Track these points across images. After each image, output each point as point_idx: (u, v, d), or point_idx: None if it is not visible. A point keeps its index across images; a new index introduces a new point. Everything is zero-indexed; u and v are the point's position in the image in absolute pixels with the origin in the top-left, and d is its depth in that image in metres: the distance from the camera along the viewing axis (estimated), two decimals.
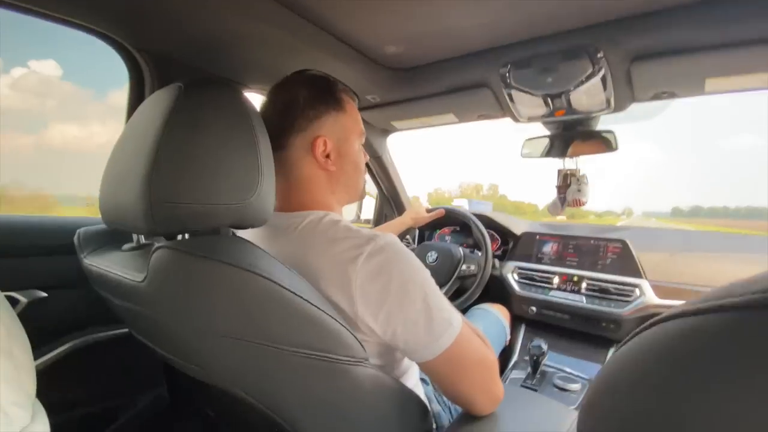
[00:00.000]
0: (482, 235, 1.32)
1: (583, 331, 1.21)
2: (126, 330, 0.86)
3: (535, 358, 1.04)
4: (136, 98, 0.86)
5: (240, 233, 0.62)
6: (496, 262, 1.40)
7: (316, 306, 0.45)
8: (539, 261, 1.36)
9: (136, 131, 0.50)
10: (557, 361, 1.16)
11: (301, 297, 0.44)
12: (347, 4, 0.71)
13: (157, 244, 0.44)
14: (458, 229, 1.64)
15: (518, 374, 1.13)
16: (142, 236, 0.64)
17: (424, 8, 0.72)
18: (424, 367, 0.53)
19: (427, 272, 0.54)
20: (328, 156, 0.61)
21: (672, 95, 0.91)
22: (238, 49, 0.83)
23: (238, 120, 0.49)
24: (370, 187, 1.69)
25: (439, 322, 0.50)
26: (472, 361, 0.54)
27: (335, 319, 0.46)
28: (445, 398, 0.73)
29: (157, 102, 0.48)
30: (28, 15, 0.68)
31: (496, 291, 1.36)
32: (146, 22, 0.72)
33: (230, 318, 0.43)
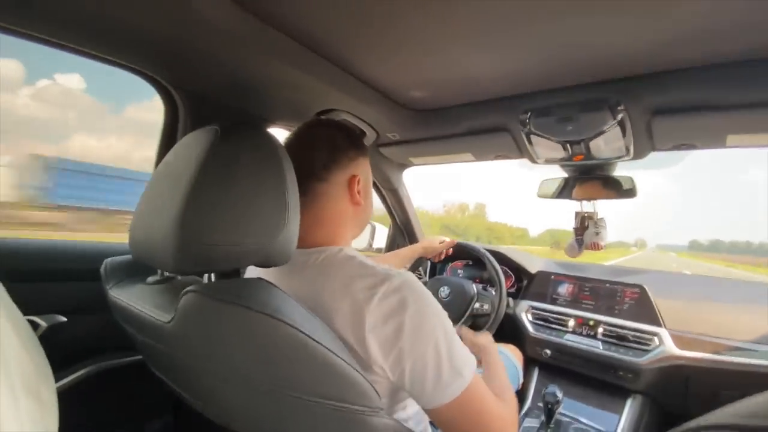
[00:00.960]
0: (496, 272, 1.31)
1: (599, 379, 1.17)
2: (139, 356, 0.87)
3: (549, 406, 1.01)
4: (170, 132, 0.90)
5: (254, 268, 0.63)
6: (510, 300, 1.38)
7: (335, 354, 0.45)
8: (554, 302, 1.33)
9: (172, 170, 0.51)
10: (572, 410, 1.11)
11: (323, 345, 0.44)
12: (374, 51, 0.74)
13: (186, 288, 0.44)
14: (471, 263, 1.63)
15: (532, 422, 1.09)
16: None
17: (448, 57, 0.75)
18: (429, 413, 0.53)
19: (444, 315, 0.54)
20: (359, 192, 0.66)
21: (692, 147, 0.91)
22: (267, 89, 0.86)
23: (269, 163, 0.50)
24: (382, 215, 1.70)
25: (448, 370, 0.50)
26: (479, 414, 0.52)
27: (353, 368, 0.46)
28: None
29: (194, 143, 0.50)
30: (63, 50, 0.71)
31: (509, 330, 1.34)
32: (182, 62, 0.76)
33: (253, 364, 0.43)
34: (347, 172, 0.65)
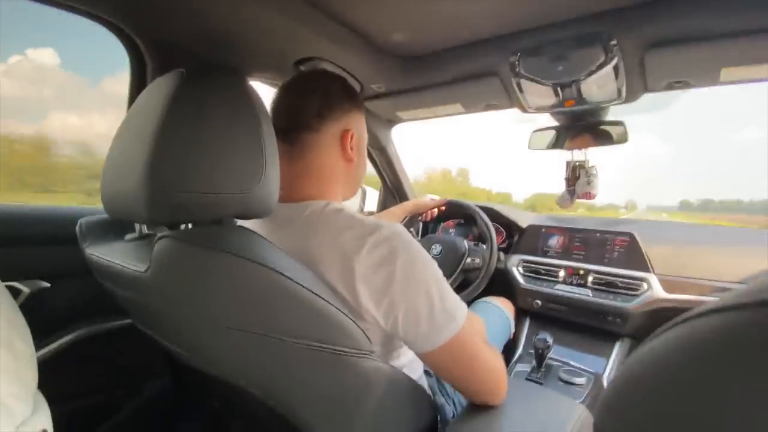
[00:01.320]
0: (487, 227, 1.31)
1: (588, 325, 1.20)
2: (129, 321, 0.86)
3: (540, 351, 1.03)
4: (138, 86, 0.85)
5: (242, 224, 0.61)
6: (501, 255, 1.39)
7: (321, 297, 0.44)
8: (545, 254, 1.35)
9: (138, 119, 0.48)
10: (562, 355, 1.15)
11: (306, 288, 0.43)
12: None
13: (159, 234, 0.43)
14: (462, 222, 1.63)
15: (523, 367, 1.12)
16: (145, 227, 0.63)
17: None
18: (423, 357, 0.53)
19: (434, 263, 0.53)
20: (352, 148, 0.63)
21: (686, 85, 0.88)
22: (241, 37, 0.81)
23: (241, 108, 0.47)
24: (374, 179, 1.68)
25: (441, 314, 0.50)
26: (472, 356, 0.54)
27: (341, 311, 0.46)
28: (449, 390, 0.73)
29: (159, 89, 0.47)
30: (28, 0, 0.66)
31: (500, 284, 1.35)
32: (149, 8, 0.71)
33: (233, 309, 0.42)
34: (340, 125, 0.62)
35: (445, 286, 0.52)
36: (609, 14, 0.74)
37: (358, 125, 0.65)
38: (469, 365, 0.54)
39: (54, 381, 0.49)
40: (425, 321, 0.49)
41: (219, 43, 0.84)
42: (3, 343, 0.37)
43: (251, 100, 0.48)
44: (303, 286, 0.43)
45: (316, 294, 0.44)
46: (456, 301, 0.53)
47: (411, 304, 0.49)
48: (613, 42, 0.76)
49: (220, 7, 0.69)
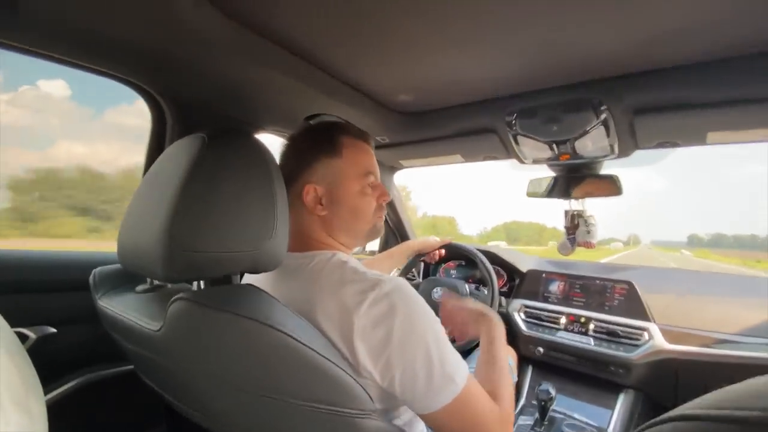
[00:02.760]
0: (488, 272, 1.32)
1: (591, 375, 1.18)
2: (130, 367, 0.86)
3: (543, 403, 1.02)
4: (157, 140, 0.89)
5: (251, 275, 0.63)
6: (503, 299, 1.39)
7: (326, 358, 0.45)
8: (546, 300, 1.35)
9: (159, 178, 0.51)
10: (566, 406, 1.12)
11: (312, 349, 0.44)
12: (360, 56, 0.75)
13: (175, 296, 0.44)
14: (463, 263, 1.64)
15: (526, 420, 1.09)
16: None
17: (434, 61, 0.76)
18: (423, 418, 0.53)
19: (436, 321, 0.53)
20: (320, 202, 0.62)
21: (675, 144, 0.93)
22: (255, 95, 0.86)
23: (257, 169, 0.50)
24: None
25: (440, 377, 0.49)
26: (475, 417, 0.52)
27: (345, 371, 0.46)
28: None
29: (181, 151, 0.50)
30: (49, 61, 0.70)
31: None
32: (168, 70, 0.76)
33: (243, 370, 0.43)
34: (299, 184, 0.63)
35: (446, 346, 0.52)
36: (598, 83, 0.80)
37: (326, 174, 0.63)
38: (472, 424, 0.52)
39: (55, 430, 0.49)
40: (423, 382, 0.49)
41: (235, 101, 0.90)
42: (20, 404, 0.38)
43: (266, 161, 0.52)
44: (309, 348, 0.44)
45: (321, 355, 0.44)
46: (456, 362, 0.52)
47: (408, 364, 0.49)
48: (603, 107, 0.82)
49: (234, 69, 0.75)
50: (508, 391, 0.60)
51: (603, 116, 0.83)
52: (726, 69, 0.70)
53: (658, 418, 0.22)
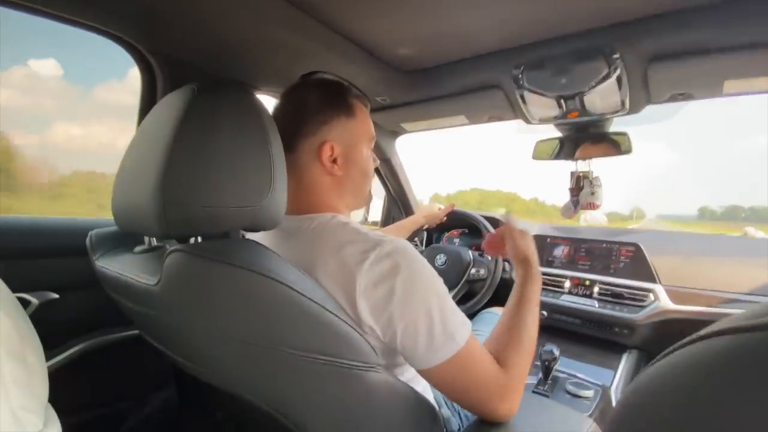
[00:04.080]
0: None
1: (595, 336, 1.19)
2: (136, 331, 0.87)
3: (546, 363, 1.03)
4: (148, 100, 0.86)
5: (250, 236, 0.62)
6: (506, 265, 1.38)
7: (329, 310, 0.44)
8: (550, 264, 1.34)
9: (149, 134, 0.49)
10: (569, 367, 1.14)
11: (315, 301, 0.43)
12: (360, 6, 0.71)
13: (170, 248, 0.43)
14: (467, 231, 1.63)
15: (529, 379, 1.11)
16: (154, 239, 0.64)
17: (436, 10, 0.71)
18: (422, 373, 0.53)
19: (439, 280, 0.53)
20: (335, 161, 0.61)
21: (689, 97, 0.89)
22: (250, 52, 0.83)
23: (250, 122, 0.48)
24: (378, 189, 1.69)
25: (440, 334, 0.49)
26: (474, 376, 0.53)
27: (348, 324, 0.46)
28: (454, 403, 0.73)
29: (170, 104, 0.48)
30: (38, 16, 0.68)
31: (505, 294, 1.34)
32: (160, 25, 0.73)
33: (243, 322, 0.42)
34: (315, 140, 0.60)
35: (448, 305, 0.52)
36: (611, 29, 0.75)
37: (342, 133, 0.61)
38: (470, 385, 0.53)
39: (62, 392, 0.49)
40: (424, 340, 0.49)
41: (228, 58, 0.86)
42: (16, 356, 0.38)
43: (260, 115, 0.49)
44: (311, 299, 0.43)
45: (323, 307, 0.44)
46: (458, 321, 0.52)
47: (410, 321, 0.49)
48: (616, 55, 0.77)
49: (228, 23, 0.71)
50: (525, 350, 0.59)
51: (615, 65, 0.79)
52: (744, 10, 0.66)
53: (688, 338, 0.20)
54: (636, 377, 0.23)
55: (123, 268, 0.54)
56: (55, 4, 0.66)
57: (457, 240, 1.65)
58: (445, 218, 1.26)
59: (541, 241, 1.40)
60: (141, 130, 0.53)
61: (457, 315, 0.53)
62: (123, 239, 0.67)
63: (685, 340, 0.20)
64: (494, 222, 1.44)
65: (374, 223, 1.78)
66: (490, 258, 1.32)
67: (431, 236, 1.72)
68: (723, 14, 0.67)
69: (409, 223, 1.25)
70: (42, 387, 0.41)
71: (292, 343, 0.43)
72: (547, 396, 1.01)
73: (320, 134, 0.60)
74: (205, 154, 0.44)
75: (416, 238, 1.63)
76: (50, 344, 0.77)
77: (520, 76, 0.89)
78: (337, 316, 0.45)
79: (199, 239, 0.52)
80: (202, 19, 0.69)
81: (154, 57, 0.82)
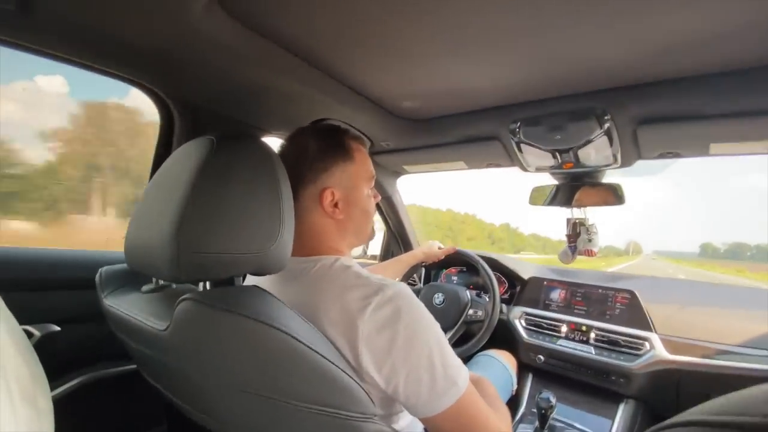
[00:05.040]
0: (490, 279, 1.32)
1: (591, 384, 1.18)
2: (132, 367, 0.86)
3: (543, 411, 1.01)
4: (165, 141, 0.91)
5: (255, 277, 0.64)
6: (504, 306, 1.39)
7: (330, 361, 0.45)
8: (547, 308, 1.35)
9: (167, 181, 0.52)
10: (566, 415, 1.12)
11: (317, 352, 0.45)
12: (368, 63, 0.76)
13: (182, 296, 0.45)
14: (465, 269, 1.64)
15: (526, 428, 1.09)
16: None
17: (439, 69, 0.77)
18: (425, 422, 0.53)
19: (437, 325, 0.54)
20: (336, 205, 0.63)
21: (677, 155, 0.94)
22: (263, 99, 0.88)
23: (264, 172, 0.51)
24: (376, 222, 1.72)
25: (443, 380, 0.50)
26: (474, 421, 0.53)
27: (347, 374, 0.47)
28: None
29: (190, 153, 0.51)
30: (63, 63, 0.72)
31: (502, 336, 1.34)
32: (179, 73, 0.77)
33: (248, 371, 0.44)
34: (316, 186, 0.62)
35: (447, 350, 0.53)
36: (602, 93, 0.81)
37: (342, 178, 0.63)
38: (472, 428, 0.53)
39: (59, 427, 0.49)
40: (427, 386, 0.50)
41: (242, 105, 0.91)
42: (28, 401, 0.39)
43: (274, 166, 0.52)
44: (313, 350, 0.44)
45: (325, 358, 0.45)
46: (457, 365, 0.53)
47: (413, 368, 0.49)
48: (607, 117, 0.83)
49: (243, 73, 0.76)
50: (501, 404, 0.65)
51: (606, 126, 0.84)
52: (730, 81, 0.71)
53: (661, 424, 0.22)
54: None
55: (131, 309, 0.56)
56: (80, 54, 0.71)
57: (455, 278, 1.65)
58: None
59: (538, 283, 1.41)
60: (159, 174, 0.56)
61: (456, 359, 0.53)
62: (131, 276, 0.69)
63: (657, 426, 0.22)
64: (491, 262, 1.46)
65: (373, 257, 1.79)
66: (487, 299, 1.33)
67: (429, 273, 1.73)
68: (707, 84, 0.72)
69: (408, 258, 1.27)
70: (49, 429, 0.41)
71: (294, 394, 0.44)
72: None
73: (320, 181, 0.63)
74: (220, 204, 0.47)
75: (415, 275, 1.64)
76: (49, 377, 0.77)
77: (517, 129, 0.94)
78: (338, 367, 0.46)
79: (207, 284, 0.54)
80: (217, 67, 0.73)
81: (173, 101, 0.87)
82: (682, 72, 0.72)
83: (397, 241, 1.73)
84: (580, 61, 0.70)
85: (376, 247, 1.79)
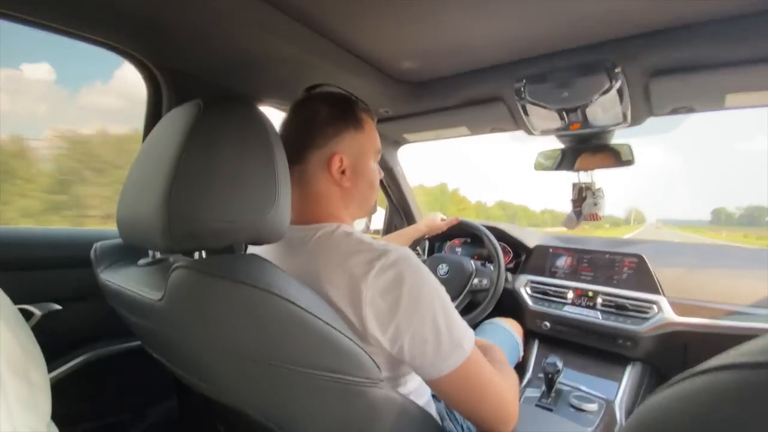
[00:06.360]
0: (495, 248, 1.30)
1: (599, 348, 1.18)
2: (138, 343, 0.86)
3: (549, 376, 1.02)
4: (154, 113, 0.87)
5: (254, 247, 0.62)
6: (509, 275, 1.38)
7: (332, 326, 0.44)
8: (553, 275, 1.34)
9: (155, 148, 0.50)
10: (573, 379, 1.13)
11: (318, 317, 0.43)
12: (363, 20, 0.72)
13: (175, 264, 0.43)
14: (469, 240, 1.63)
15: (533, 392, 1.10)
16: (158, 252, 0.64)
17: (439, 24, 0.72)
18: (430, 384, 0.53)
19: (442, 289, 0.53)
20: (343, 172, 0.62)
21: (690, 110, 0.89)
22: (254, 65, 0.84)
23: (255, 137, 0.49)
24: (380, 197, 1.69)
25: (447, 342, 0.50)
26: (480, 385, 0.53)
27: (351, 340, 0.46)
28: (457, 416, 0.72)
29: (177, 119, 0.49)
30: (47, 31, 0.69)
31: (508, 305, 1.34)
32: (166, 40, 0.74)
33: (247, 339, 0.42)
34: (325, 151, 0.61)
35: (453, 313, 0.52)
36: (612, 43, 0.76)
37: (351, 145, 0.63)
38: (477, 394, 0.53)
39: (63, 404, 0.49)
40: (431, 348, 0.49)
41: (232, 71, 0.87)
42: (19, 373, 0.38)
43: (265, 129, 0.50)
44: (314, 315, 0.43)
45: (327, 323, 0.44)
46: (463, 328, 0.53)
47: (417, 330, 0.49)
48: (617, 69, 0.78)
49: (233, 38, 0.72)
50: (508, 368, 0.63)
51: (617, 79, 0.79)
52: (745, 26, 0.66)
53: (692, 370, 0.20)
54: (639, 407, 0.23)
55: (127, 281, 0.55)
56: (64, 21, 0.68)
57: (459, 249, 1.64)
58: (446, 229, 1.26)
59: (543, 251, 1.40)
60: (146, 144, 0.53)
61: (461, 323, 0.53)
62: (127, 252, 0.67)
63: (687, 373, 0.20)
64: (497, 231, 1.44)
65: (376, 232, 1.78)
66: (492, 268, 1.32)
67: (433, 245, 1.72)
68: (723, 30, 0.68)
69: (411, 231, 1.25)
70: (45, 404, 0.40)
71: (295, 360, 0.43)
72: (550, 410, 1.00)
73: (330, 146, 0.61)
74: (210, 169, 0.45)
75: (418, 247, 1.63)
76: (52, 355, 0.77)
77: (522, 89, 0.89)
78: (340, 331, 0.45)
79: (203, 253, 0.52)
80: (207, 33, 0.70)
81: (160, 71, 0.83)
82: (695, 18, 0.67)
83: (400, 214, 1.71)
84: (587, 10, 0.66)
85: (378, 221, 1.77)
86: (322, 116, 0.62)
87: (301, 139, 0.61)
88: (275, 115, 0.79)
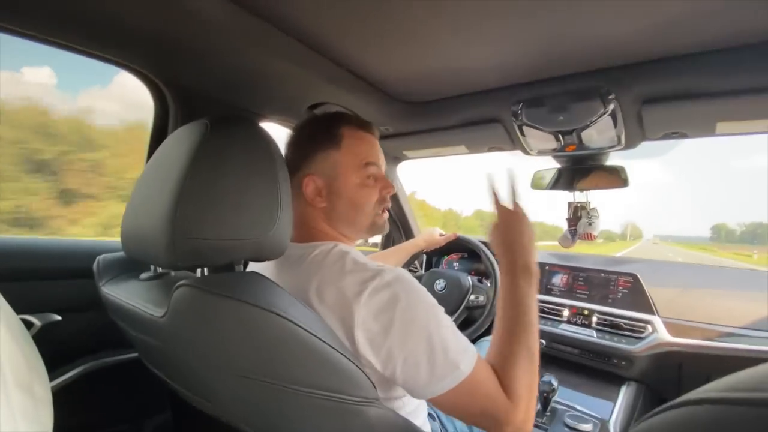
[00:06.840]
0: (491, 264, 1.32)
1: (593, 367, 1.18)
2: (135, 354, 0.87)
3: (545, 394, 1.02)
4: (160, 126, 0.89)
5: (255, 265, 0.63)
6: None
7: (331, 346, 0.45)
8: (549, 292, 1.34)
9: (162, 165, 0.51)
10: (568, 398, 1.13)
11: (318, 337, 0.44)
12: (364, 43, 0.74)
13: (179, 281, 0.44)
14: (466, 255, 1.64)
15: None
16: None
17: (439, 49, 0.75)
18: (430, 400, 0.53)
19: (439, 309, 0.53)
20: (320, 193, 0.63)
21: (683, 135, 0.92)
22: (259, 83, 0.86)
23: (260, 157, 0.50)
24: None
25: (443, 364, 0.49)
26: (480, 402, 0.52)
27: (348, 359, 0.46)
28: None
29: (184, 138, 0.50)
30: (58, 48, 0.70)
31: None
32: (176, 58, 0.76)
33: (248, 357, 0.43)
34: (299, 174, 0.63)
35: (450, 333, 0.51)
36: (606, 71, 0.78)
37: (324, 166, 0.63)
38: (478, 411, 0.52)
39: (60, 416, 0.49)
40: (425, 370, 0.49)
41: (238, 89, 0.89)
42: (24, 387, 0.39)
43: (270, 149, 0.51)
44: (314, 335, 0.44)
45: (326, 343, 0.44)
46: (462, 348, 0.51)
47: (410, 353, 0.49)
48: (611, 96, 0.80)
49: (239, 56, 0.74)
50: (525, 368, 0.54)
51: (611, 106, 0.82)
52: (736, 57, 0.69)
53: (670, 403, 0.21)
54: None
55: (129, 296, 0.55)
56: (78, 40, 0.70)
57: (456, 264, 1.65)
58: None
59: (539, 268, 1.40)
60: (154, 160, 0.55)
61: (461, 342, 0.52)
62: (129, 264, 0.68)
63: (666, 405, 0.21)
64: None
65: (374, 245, 1.79)
66: (489, 284, 1.33)
67: (431, 259, 1.73)
68: (713, 61, 0.70)
69: (409, 246, 1.26)
70: (47, 418, 0.41)
71: (295, 379, 0.43)
72: (545, 430, 1.00)
73: (303, 169, 0.64)
74: (216, 188, 0.46)
75: (416, 262, 1.64)
76: (51, 366, 0.77)
77: (519, 111, 0.92)
78: (339, 352, 0.45)
79: (206, 270, 0.53)
80: (213, 51, 0.72)
81: (168, 87, 0.86)
82: (687, 49, 0.70)
83: (399, 228, 1.72)
84: (584, 38, 0.68)
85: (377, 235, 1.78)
86: (298, 141, 0.65)
87: (289, 162, 0.63)
88: (279, 131, 0.81)
